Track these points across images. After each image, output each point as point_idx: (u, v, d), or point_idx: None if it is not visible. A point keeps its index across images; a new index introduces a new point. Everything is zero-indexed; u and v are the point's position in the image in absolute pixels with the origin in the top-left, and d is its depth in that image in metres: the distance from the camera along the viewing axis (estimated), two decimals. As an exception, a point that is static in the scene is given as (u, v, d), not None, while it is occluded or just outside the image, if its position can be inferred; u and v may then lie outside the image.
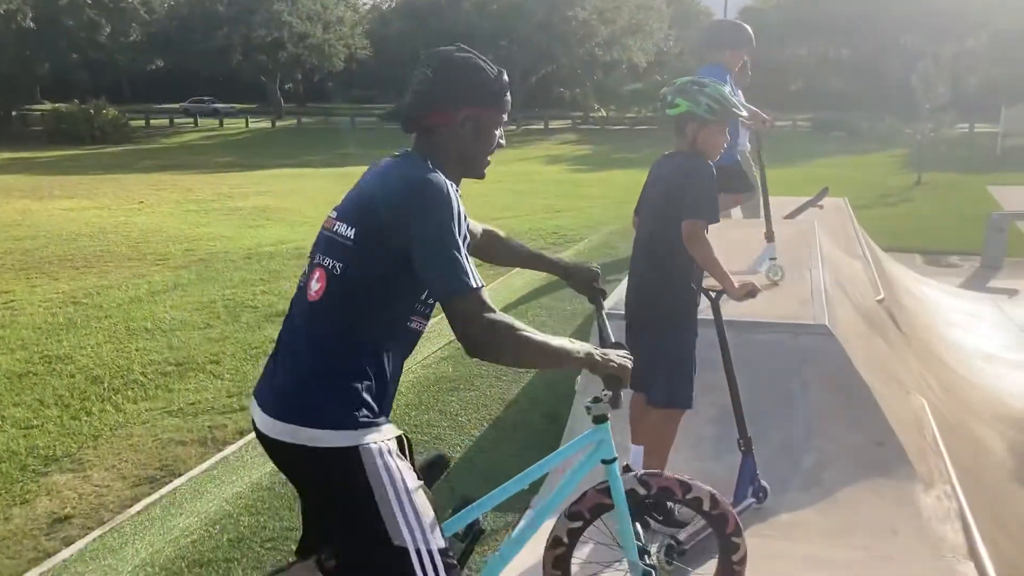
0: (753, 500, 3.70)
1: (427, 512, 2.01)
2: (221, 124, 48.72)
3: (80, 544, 4.31)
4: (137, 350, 7.40)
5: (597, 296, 2.64)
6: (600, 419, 2.44)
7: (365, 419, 2.00)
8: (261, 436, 2.09)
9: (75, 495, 4.86)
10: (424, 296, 2.13)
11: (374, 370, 2.05)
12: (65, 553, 4.24)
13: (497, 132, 2.23)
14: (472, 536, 2.33)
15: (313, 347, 2.05)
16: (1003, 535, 4.22)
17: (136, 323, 8.23)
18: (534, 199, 19.06)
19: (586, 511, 2.58)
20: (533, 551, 2.48)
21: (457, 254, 1.96)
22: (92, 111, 40.60)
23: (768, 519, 3.66)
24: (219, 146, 38.36)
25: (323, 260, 2.11)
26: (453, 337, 6.20)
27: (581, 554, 2.58)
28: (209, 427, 5.74)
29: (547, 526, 2.48)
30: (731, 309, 4.98)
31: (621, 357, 2.24)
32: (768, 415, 4.20)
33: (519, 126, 47.82)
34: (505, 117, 2.24)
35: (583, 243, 11.32)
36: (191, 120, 49.42)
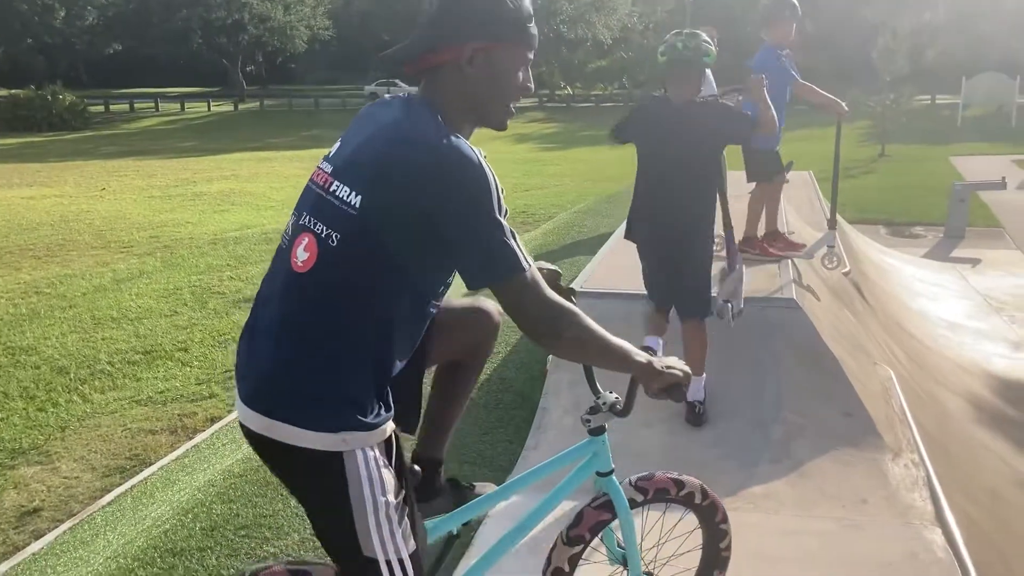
0: (742, 266, 4.36)
1: (403, 522, 1.85)
2: (183, 108, 48.01)
3: (50, 537, 4.26)
4: (103, 339, 7.31)
5: (567, 296, 2.32)
6: (597, 431, 2.28)
7: (355, 420, 1.76)
8: (240, 422, 1.88)
9: (43, 487, 4.80)
10: (446, 280, 1.91)
11: (373, 361, 1.80)
12: (35, 546, 4.19)
13: (520, 73, 1.90)
14: (447, 543, 2.28)
15: (297, 328, 1.78)
16: (969, 502, 4.29)
17: (101, 312, 8.12)
18: (502, 179, 18.92)
19: (587, 532, 2.37)
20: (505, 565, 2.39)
21: (501, 237, 1.73)
22: (49, 97, 39.82)
23: (739, 492, 3.70)
24: (181, 131, 37.84)
25: (314, 225, 1.80)
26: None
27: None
28: (179, 415, 5.69)
29: (524, 542, 2.38)
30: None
31: (680, 363, 2.08)
32: (738, 389, 4.24)
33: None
34: (531, 54, 1.91)
35: (551, 222, 11.31)
36: (151, 105, 48.59)
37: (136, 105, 48.55)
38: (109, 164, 23.54)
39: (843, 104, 5.61)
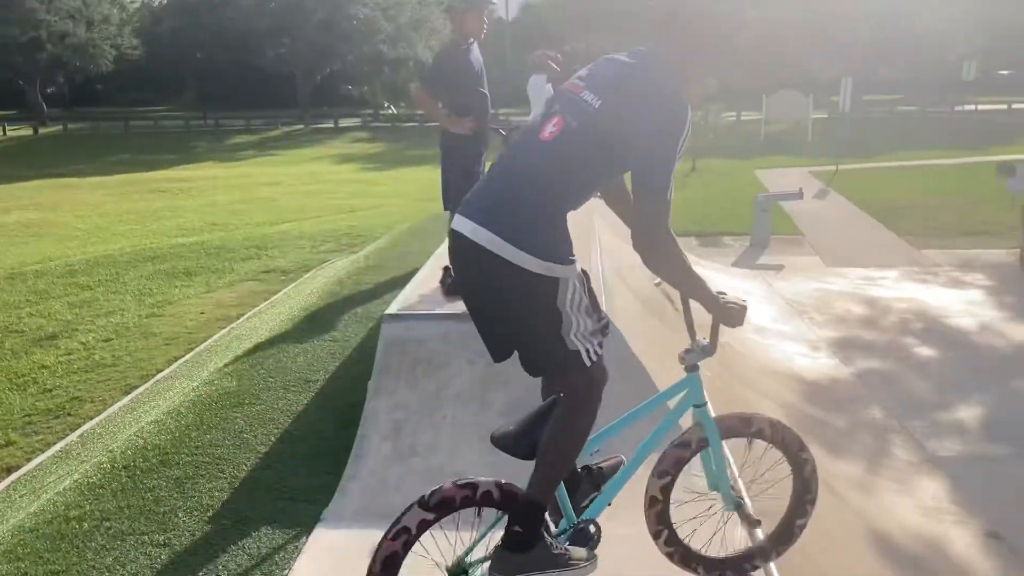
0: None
1: (595, 326, 2.57)
2: (-25, 133, 44.46)
3: None
4: None
5: None
6: (692, 368, 2.85)
7: (556, 255, 2.47)
8: (460, 244, 2.51)
9: None
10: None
11: (564, 216, 2.55)
12: None
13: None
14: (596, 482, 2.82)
15: (532, 176, 2.50)
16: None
17: None
18: (326, 200, 18.67)
19: (671, 468, 2.87)
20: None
21: (670, 166, 2.47)
22: None
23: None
24: (-27, 157, 35.02)
25: (564, 112, 2.55)
26: (238, 353, 5.90)
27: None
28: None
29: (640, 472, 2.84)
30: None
31: (734, 297, 2.74)
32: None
33: (307, 125, 46.69)
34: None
35: (375, 244, 11.19)
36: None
37: (-79, 131, 44.56)
38: None
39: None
